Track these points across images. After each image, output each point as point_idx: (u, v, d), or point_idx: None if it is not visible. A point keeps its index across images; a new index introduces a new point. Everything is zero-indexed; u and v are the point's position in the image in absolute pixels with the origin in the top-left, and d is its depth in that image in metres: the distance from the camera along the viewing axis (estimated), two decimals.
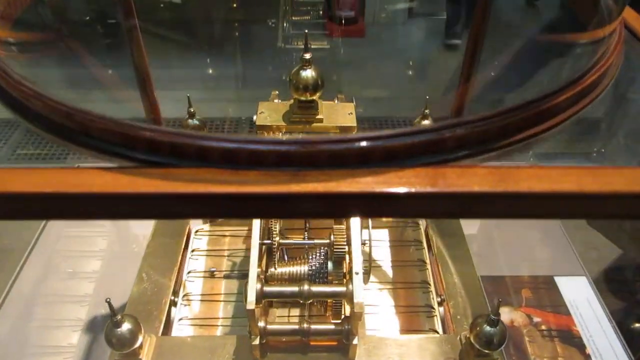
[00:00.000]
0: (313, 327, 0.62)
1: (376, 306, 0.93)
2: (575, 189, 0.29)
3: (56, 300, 1.04)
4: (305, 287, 0.58)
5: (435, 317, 0.90)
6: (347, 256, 0.63)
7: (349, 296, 0.57)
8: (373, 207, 0.29)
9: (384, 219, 1.07)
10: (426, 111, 0.92)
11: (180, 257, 0.76)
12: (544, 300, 1.27)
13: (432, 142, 0.30)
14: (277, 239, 0.65)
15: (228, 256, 1.00)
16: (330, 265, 0.66)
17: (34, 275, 1.11)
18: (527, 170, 0.30)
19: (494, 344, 0.60)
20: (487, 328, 0.60)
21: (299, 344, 0.64)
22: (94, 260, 1.11)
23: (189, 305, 0.93)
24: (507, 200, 0.29)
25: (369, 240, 0.65)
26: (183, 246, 0.78)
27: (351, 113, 0.66)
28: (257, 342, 0.60)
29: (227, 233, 1.05)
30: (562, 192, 0.29)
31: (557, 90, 0.33)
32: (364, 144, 0.29)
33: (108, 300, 0.57)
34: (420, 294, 0.95)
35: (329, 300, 0.66)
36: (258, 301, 0.57)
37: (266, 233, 0.65)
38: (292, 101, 0.66)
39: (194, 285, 0.96)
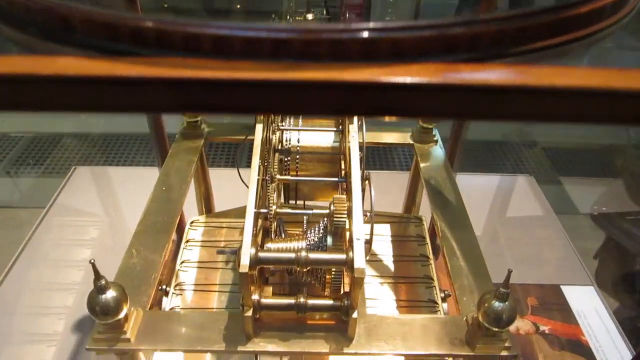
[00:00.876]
0: (310, 301, 0.58)
1: (377, 300, 0.89)
2: (602, 84, 0.26)
3: (44, 288, 1.01)
4: (303, 253, 0.54)
5: (438, 312, 0.85)
6: (347, 226, 0.60)
7: (349, 264, 0.53)
8: (378, 100, 0.27)
9: (386, 215, 1.04)
10: None
11: (172, 234, 0.72)
12: (551, 309, 1.23)
13: (444, 37, 0.28)
14: (274, 207, 0.61)
15: (224, 247, 0.96)
16: (329, 239, 0.62)
17: (25, 263, 1.09)
18: (550, 68, 0.27)
19: (503, 321, 0.56)
20: (496, 304, 0.56)
21: (294, 322, 0.60)
22: (84, 249, 1.08)
23: (181, 294, 0.89)
24: (527, 96, 0.26)
25: (371, 211, 0.62)
26: (176, 225, 0.74)
27: None
28: (249, 313, 0.56)
29: (224, 225, 1.01)
30: (587, 87, 0.26)
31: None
32: (368, 34, 0.27)
33: (92, 261, 0.53)
34: (423, 289, 0.91)
35: (327, 277, 0.63)
36: (252, 267, 0.54)
37: (263, 202, 0.62)
38: None
39: (187, 275, 0.92)
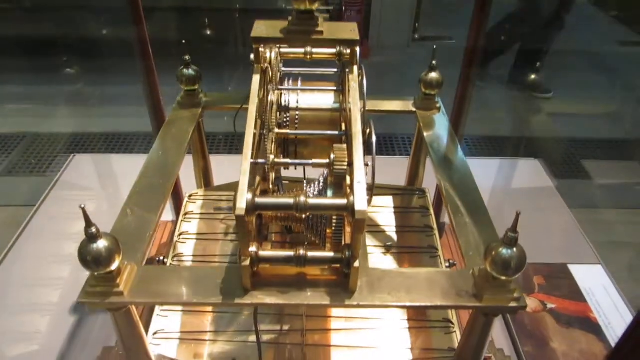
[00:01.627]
0: (310, 254, 0.56)
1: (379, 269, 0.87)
2: None
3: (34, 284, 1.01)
4: (302, 198, 0.52)
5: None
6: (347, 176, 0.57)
7: (350, 208, 0.51)
8: None
9: (389, 187, 1.02)
10: (433, 62, 0.89)
11: (167, 196, 0.70)
12: (558, 287, 1.21)
13: None
14: (272, 157, 0.59)
15: (222, 219, 0.95)
16: (330, 192, 0.60)
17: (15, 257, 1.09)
18: None
19: (512, 269, 0.53)
20: (504, 251, 0.53)
21: (294, 277, 0.58)
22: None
23: (179, 265, 0.87)
24: None
25: (372, 156, 0.59)
26: (172, 187, 0.72)
27: (353, 30, 0.62)
28: (247, 263, 0.54)
29: (223, 198, 0.99)
30: None
31: None
32: None
33: (82, 206, 0.51)
34: (428, 258, 0.89)
35: (328, 231, 0.60)
36: (249, 212, 0.51)
37: (261, 149, 0.60)
38: (290, 18, 0.62)
39: (185, 246, 0.91)
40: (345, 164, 0.57)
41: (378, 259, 0.88)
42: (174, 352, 0.75)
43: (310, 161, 0.59)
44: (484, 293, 0.55)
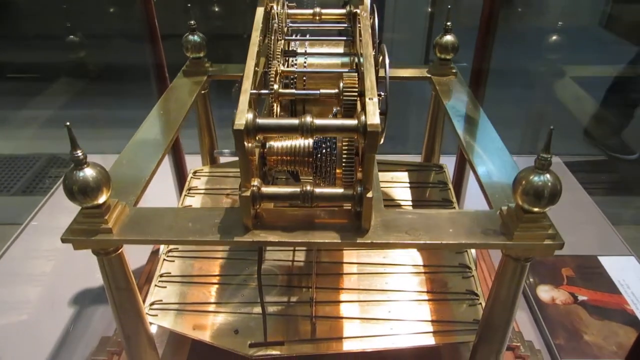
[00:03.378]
0: (318, 190, 0.50)
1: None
2: None
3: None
4: (308, 118, 0.47)
5: (465, 254, 0.77)
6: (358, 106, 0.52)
7: (361, 127, 0.46)
8: None
9: (404, 164, 0.96)
10: (448, 24, 0.84)
11: (166, 149, 0.65)
12: (589, 279, 1.13)
13: None
14: (276, 87, 0.55)
15: (228, 194, 0.89)
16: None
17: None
18: None
19: (545, 198, 0.47)
20: (535, 178, 0.47)
21: (300, 222, 0.52)
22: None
23: None
24: None
25: (385, 79, 0.54)
26: (171, 141, 0.67)
27: None
28: (247, 193, 0.49)
29: (229, 174, 0.94)
30: None
31: None
32: None
33: (67, 124, 0.47)
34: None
35: (338, 171, 0.55)
36: (249, 132, 0.46)
37: (261, 83, 0.55)
38: None
39: None
40: (356, 92, 0.52)
41: None
42: (171, 323, 0.69)
43: (318, 91, 0.55)
44: (514, 230, 0.49)
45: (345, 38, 0.69)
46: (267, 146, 0.57)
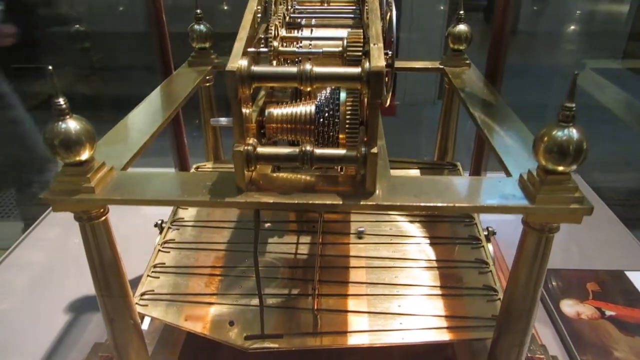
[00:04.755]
0: (318, 151, 0.46)
1: (407, 236, 0.75)
2: None
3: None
4: (307, 66, 0.43)
5: (482, 249, 0.71)
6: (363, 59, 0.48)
7: (364, 75, 0.42)
8: None
9: (415, 162, 0.92)
10: (461, 12, 0.82)
11: (165, 121, 0.62)
12: (616, 294, 1.05)
13: None
14: (276, 44, 0.51)
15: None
16: (342, 95, 0.51)
17: None
18: None
19: (570, 155, 0.42)
20: (559, 133, 0.42)
21: (299, 185, 0.48)
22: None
23: (178, 229, 0.77)
24: None
25: (393, 36, 0.50)
26: (171, 115, 0.64)
27: None
28: (240, 147, 0.44)
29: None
30: None
31: None
32: None
33: (49, 68, 0.43)
34: (462, 227, 0.77)
35: (341, 136, 0.51)
36: (244, 80, 0.43)
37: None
38: None
39: (186, 212, 0.81)
40: (360, 47, 0.48)
41: (403, 226, 0.77)
42: (162, 314, 0.64)
43: (321, 50, 0.51)
44: (536, 193, 0.44)
45: (352, 15, 0.67)
46: (266, 113, 0.54)
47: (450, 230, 0.76)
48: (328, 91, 0.53)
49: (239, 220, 0.78)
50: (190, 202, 0.46)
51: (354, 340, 0.60)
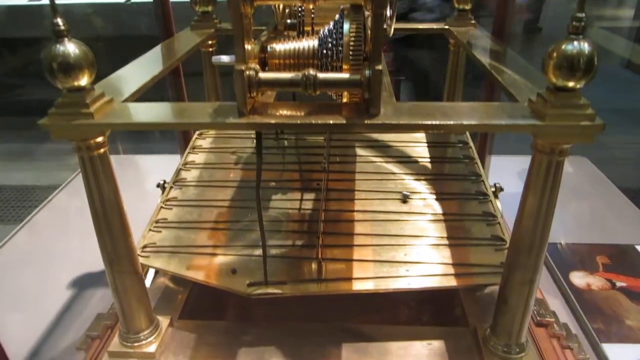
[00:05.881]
0: (322, 75, 0.45)
1: (415, 193, 0.74)
2: None
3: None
4: None
5: (490, 203, 0.70)
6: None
7: None
8: None
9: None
10: None
11: (166, 69, 0.61)
12: (627, 266, 1.03)
13: None
14: None
15: (233, 152, 0.84)
16: (346, 26, 0.50)
17: None
18: None
19: (580, 69, 0.41)
20: (569, 46, 0.41)
21: (302, 110, 0.47)
22: None
23: (180, 189, 0.76)
24: None
25: None
26: (172, 64, 0.63)
27: None
28: (241, 66, 0.43)
29: (237, 135, 0.90)
30: None
31: None
32: None
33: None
34: (469, 184, 0.75)
35: (345, 67, 0.50)
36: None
37: None
38: None
39: (189, 173, 0.80)
40: None
41: (411, 185, 0.75)
42: (163, 264, 0.63)
43: None
44: (546, 111, 0.43)
45: None
46: (269, 49, 0.53)
47: (457, 187, 0.75)
48: (331, 24, 0.52)
49: (242, 179, 0.77)
50: (191, 125, 0.45)
51: (358, 286, 0.58)
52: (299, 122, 0.44)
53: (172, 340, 0.60)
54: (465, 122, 0.43)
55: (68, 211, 1.16)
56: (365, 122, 0.43)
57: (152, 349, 0.58)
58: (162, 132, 1.89)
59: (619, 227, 1.16)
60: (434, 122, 0.43)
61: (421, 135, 0.87)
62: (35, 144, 2.05)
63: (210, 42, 0.84)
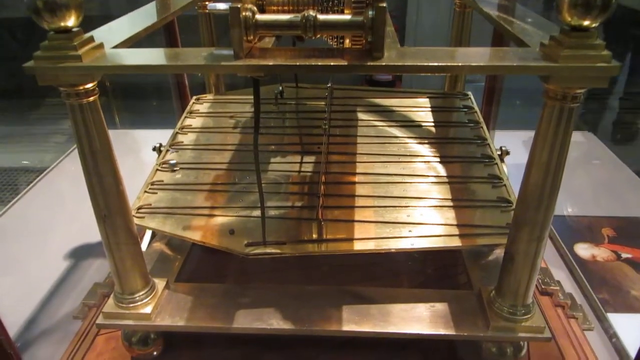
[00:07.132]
0: (322, 17, 0.43)
1: (419, 156, 0.72)
2: None
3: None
4: None
5: (496, 166, 0.67)
6: None
7: None
8: None
9: (423, 92, 0.88)
10: None
11: (160, 21, 0.58)
12: (632, 238, 1.02)
13: None
14: None
15: (232, 116, 0.82)
16: None
17: None
18: None
19: (596, 6, 0.38)
20: None
21: (303, 55, 0.44)
22: None
23: (176, 151, 0.74)
24: None
25: None
26: (167, 15, 0.60)
27: None
28: (237, 4, 0.41)
29: (235, 100, 0.87)
30: None
31: None
32: None
33: None
34: (475, 147, 0.73)
35: (347, 12, 0.47)
36: None
37: None
38: None
39: (186, 137, 0.78)
40: None
41: (416, 148, 0.73)
42: (159, 225, 0.61)
43: None
44: (560, 52, 0.40)
45: None
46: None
47: (462, 150, 0.73)
48: None
49: (240, 143, 0.75)
50: (185, 68, 0.43)
51: (359, 246, 0.56)
52: (298, 64, 0.42)
53: (168, 302, 0.58)
54: (473, 64, 0.41)
55: (63, 186, 1.14)
56: (368, 63, 0.41)
57: (147, 309, 0.56)
58: (160, 106, 1.86)
59: (625, 199, 1.14)
60: (440, 64, 0.41)
61: (425, 100, 0.84)
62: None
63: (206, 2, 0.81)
